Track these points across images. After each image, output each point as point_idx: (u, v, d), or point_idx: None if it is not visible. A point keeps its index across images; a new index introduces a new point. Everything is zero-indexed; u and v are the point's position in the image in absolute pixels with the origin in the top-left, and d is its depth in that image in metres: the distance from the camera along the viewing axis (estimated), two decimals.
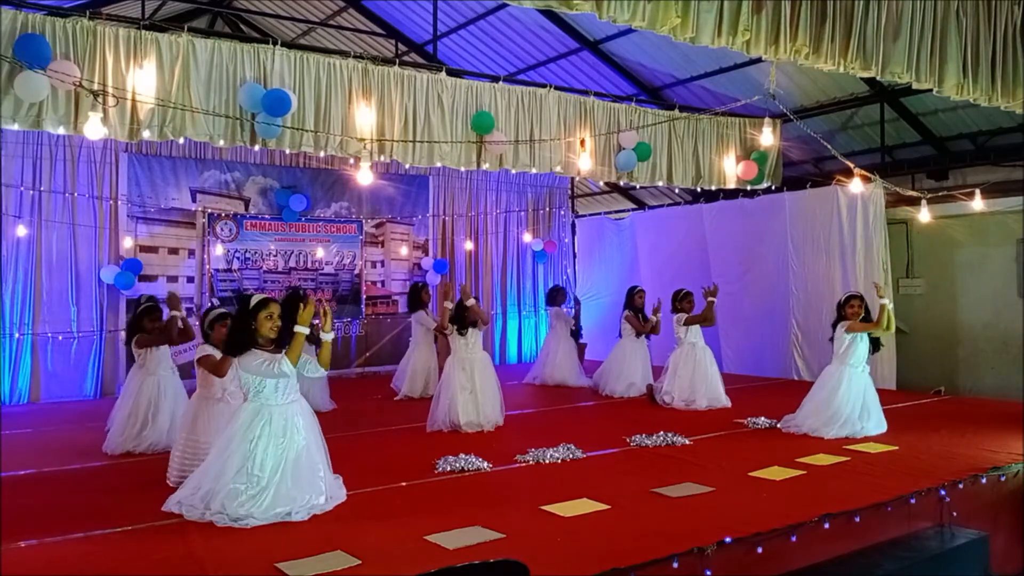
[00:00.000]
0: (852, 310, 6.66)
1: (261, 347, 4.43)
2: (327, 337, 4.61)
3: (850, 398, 6.56)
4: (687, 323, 8.21)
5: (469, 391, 6.91)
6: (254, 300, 4.50)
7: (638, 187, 11.53)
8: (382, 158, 7.66)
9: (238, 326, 4.51)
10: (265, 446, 4.31)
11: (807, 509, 4.36)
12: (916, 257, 9.92)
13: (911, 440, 6.27)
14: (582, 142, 8.37)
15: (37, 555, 3.84)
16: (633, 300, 9.22)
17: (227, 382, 5.24)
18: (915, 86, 6.19)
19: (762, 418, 7.10)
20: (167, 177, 9.86)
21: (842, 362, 6.67)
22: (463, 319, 7.08)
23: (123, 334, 9.18)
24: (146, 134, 6.54)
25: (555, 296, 10.31)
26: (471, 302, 7.06)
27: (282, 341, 4.47)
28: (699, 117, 9.35)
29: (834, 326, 6.77)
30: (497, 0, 9.39)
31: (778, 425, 6.90)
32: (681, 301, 8.32)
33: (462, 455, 5.64)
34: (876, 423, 6.60)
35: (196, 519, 4.24)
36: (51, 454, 6.08)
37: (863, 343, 6.67)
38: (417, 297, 9.08)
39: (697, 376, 8.11)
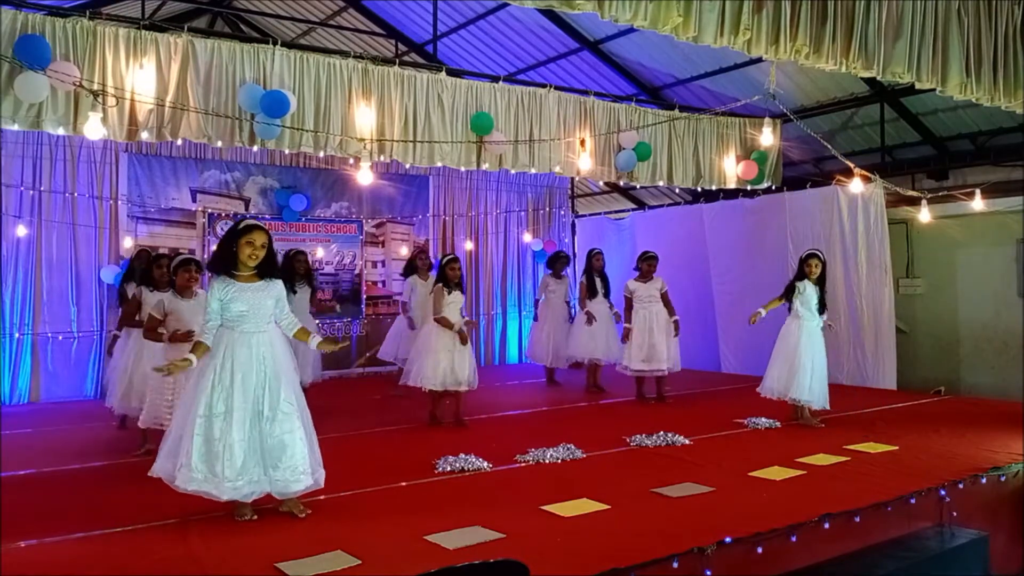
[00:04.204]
0: (809, 269, 6.96)
1: (238, 273, 4.41)
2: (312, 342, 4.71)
3: (812, 352, 6.92)
4: (626, 304, 8.41)
5: (451, 352, 6.88)
6: (241, 223, 4.51)
7: (638, 187, 11.53)
8: (382, 158, 7.65)
9: (221, 247, 4.52)
10: (229, 376, 4.27)
11: (807, 509, 4.36)
12: (916, 257, 9.92)
13: (911, 440, 6.27)
14: (582, 142, 8.37)
15: (37, 555, 3.84)
16: (591, 263, 9.19)
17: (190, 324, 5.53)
18: (918, 86, 6.18)
19: (762, 418, 7.10)
20: (167, 177, 9.87)
21: (797, 316, 7.01)
22: (446, 277, 6.98)
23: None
24: (144, 135, 6.54)
25: (554, 262, 9.97)
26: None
27: (264, 272, 4.47)
28: (699, 117, 9.35)
29: (796, 279, 7.05)
30: (497, 0, 9.40)
31: (757, 389, 7.18)
32: (643, 262, 8.41)
33: (462, 455, 5.63)
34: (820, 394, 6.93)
35: (167, 478, 4.24)
36: (51, 454, 6.07)
37: (813, 295, 6.97)
38: (411, 263, 9.22)
39: (653, 337, 8.19)
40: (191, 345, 4.56)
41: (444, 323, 6.89)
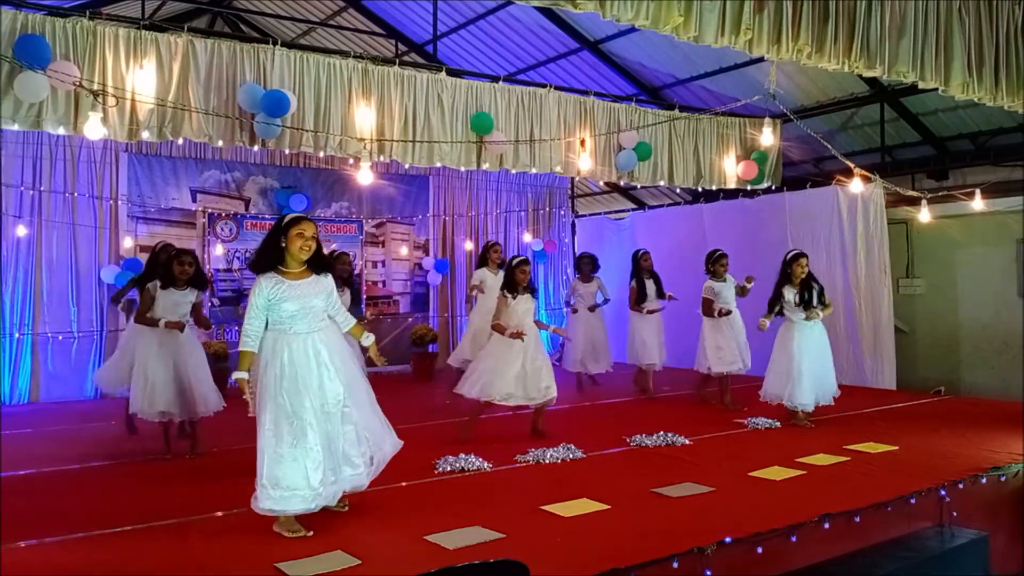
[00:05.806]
0: (799, 269, 6.87)
1: (287, 268, 4.19)
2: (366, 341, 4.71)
3: (811, 355, 6.87)
4: (704, 312, 8.06)
5: (519, 365, 6.27)
6: (288, 217, 4.28)
7: (638, 187, 11.53)
8: (382, 158, 7.66)
9: (267, 243, 4.23)
10: (293, 384, 4.07)
11: (807, 509, 4.36)
12: (916, 257, 9.92)
13: (911, 440, 6.26)
14: (582, 142, 8.38)
15: (37, 555, 3.84)
16: (639, 265, 8.76)
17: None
18: (921, 85, 6.17)
19: (762, 418, 7.10)
20: (167, 177, 9.86)
21: (791, 321, 6.96)
22: (514, 281, 6.40)
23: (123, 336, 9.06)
24: (145, 134, 6.55)
25: (578, 265, 9.56)
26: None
27: (315, 266, 4.27)
28: (699, 117, 9.35)
29: (779, 285, 6.95)
30: (497, 0, 9.40)
31: (759, 393, 7.17)
32: (714, 264, 8.10)
33: (462, 455, 5.63)
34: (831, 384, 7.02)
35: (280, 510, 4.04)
36: (51, 454, 6.07)
37: (794, 298, 6.92)
38: (483, 255, 8.72)
39: (736, 338, 8.05)
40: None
41: (498, 329, 6.33)
